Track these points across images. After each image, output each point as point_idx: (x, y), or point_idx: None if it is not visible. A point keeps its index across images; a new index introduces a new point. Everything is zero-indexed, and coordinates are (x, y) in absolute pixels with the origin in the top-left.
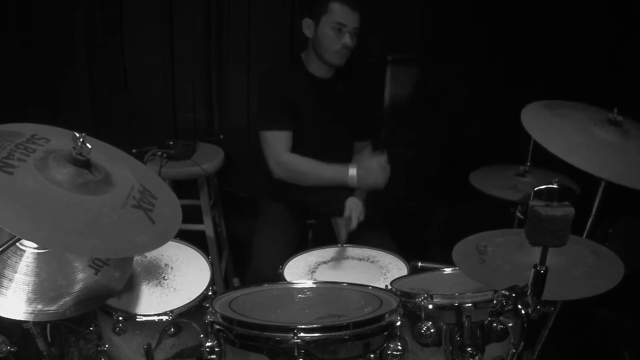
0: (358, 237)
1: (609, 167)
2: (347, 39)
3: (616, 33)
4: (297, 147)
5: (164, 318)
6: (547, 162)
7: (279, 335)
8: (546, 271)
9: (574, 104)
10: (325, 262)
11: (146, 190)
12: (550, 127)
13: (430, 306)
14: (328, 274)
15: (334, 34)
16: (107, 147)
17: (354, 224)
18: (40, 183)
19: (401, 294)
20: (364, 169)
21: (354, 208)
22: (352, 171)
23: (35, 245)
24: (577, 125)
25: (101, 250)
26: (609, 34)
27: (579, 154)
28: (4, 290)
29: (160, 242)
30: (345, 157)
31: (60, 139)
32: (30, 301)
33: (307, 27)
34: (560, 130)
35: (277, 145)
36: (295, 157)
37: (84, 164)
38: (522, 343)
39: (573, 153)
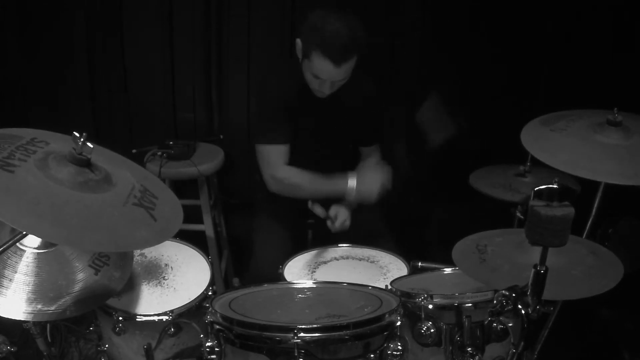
0: (360, 237)
1: (616, 172)
2: (325, 89)
3: (617, 32)
4: (294, 154)
5: (164, 318)
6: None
7: (279, 335)
8: (546, 271)
9: (568, 113)
10: (325, 262)
11: (147, 190)
12: (551, 144)
13: (430, 306)
14: (328, 274)
15: (312, 79)
16: (106, 152)
17: (337, 226)
18: (41, 181)
19: (401, 294)
20: (363, 181)
21: (339, 213)
22: (352, 182)
23: (35, 245)
24: (578, 137)
25: (102, 244)
26: (610, 33)
27: (586, 166)
28: (4, 290)
29: (161, 238)
30: (343, 165)
31: (60, 142)
32: (30, 301)
33: (298, 50)
34: (562, 146)
35: (272, 159)
36: (291, 171)
37: (85, 163)
38: (522, 343)
39: (580, 166)
